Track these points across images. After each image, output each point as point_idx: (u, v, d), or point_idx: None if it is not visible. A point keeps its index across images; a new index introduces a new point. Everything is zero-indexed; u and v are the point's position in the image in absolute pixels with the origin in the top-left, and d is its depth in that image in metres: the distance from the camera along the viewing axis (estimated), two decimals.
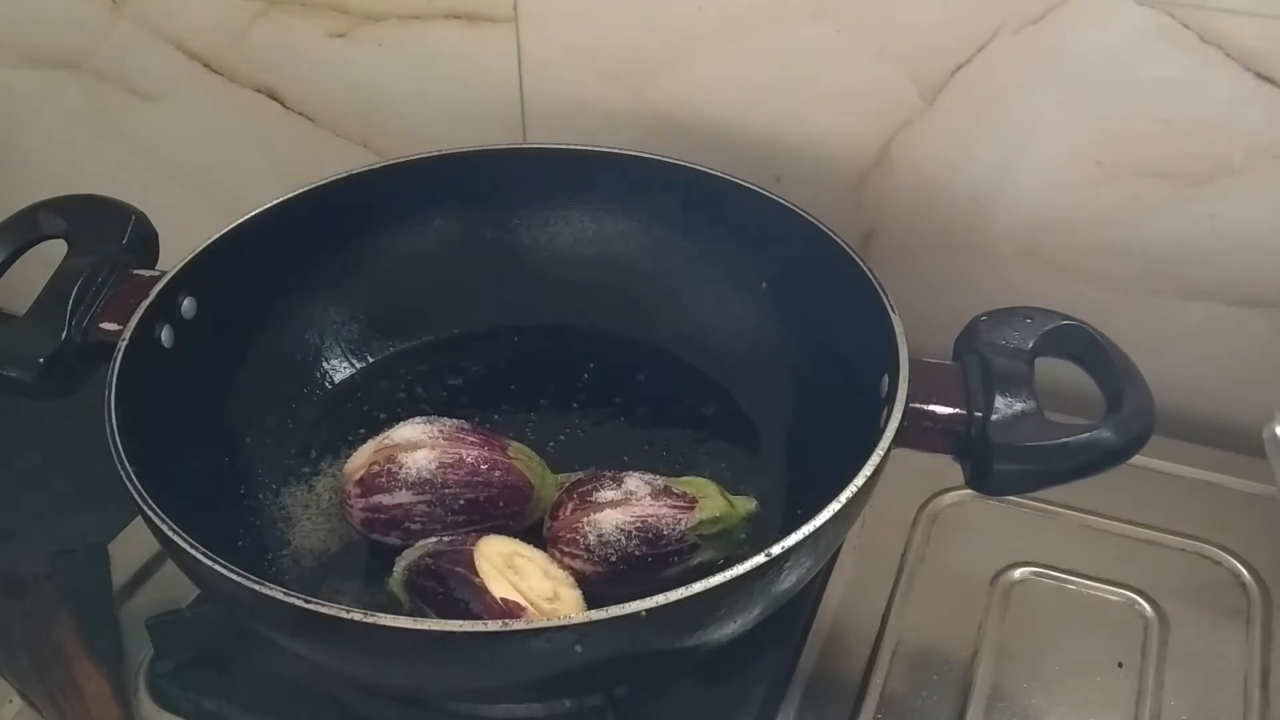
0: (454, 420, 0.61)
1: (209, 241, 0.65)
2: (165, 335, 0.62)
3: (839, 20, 0.71)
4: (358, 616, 0.46)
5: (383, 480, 0.59)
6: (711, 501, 0.58)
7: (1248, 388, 0.74)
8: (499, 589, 0.52)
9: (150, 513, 0.51)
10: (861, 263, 0.62)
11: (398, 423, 0.61)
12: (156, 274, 0.64)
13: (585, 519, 0.57)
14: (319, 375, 0.72)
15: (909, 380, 0.55)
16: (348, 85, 0.87)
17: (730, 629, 0.51)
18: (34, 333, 0.62)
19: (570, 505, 0.58)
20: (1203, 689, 0.61)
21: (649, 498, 0.58)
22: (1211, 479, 0.72)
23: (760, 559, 0.48)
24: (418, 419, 0.61)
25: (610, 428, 0.70)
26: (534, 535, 0.59)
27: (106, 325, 0.62)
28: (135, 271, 0.64)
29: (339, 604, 0.47)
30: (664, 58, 0.77)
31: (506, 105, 0.82)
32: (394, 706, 0.59)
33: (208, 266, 0.65)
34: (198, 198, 0.97)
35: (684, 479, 0.60)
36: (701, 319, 0.72)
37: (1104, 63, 0.67)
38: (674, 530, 0.57)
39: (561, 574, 0.56)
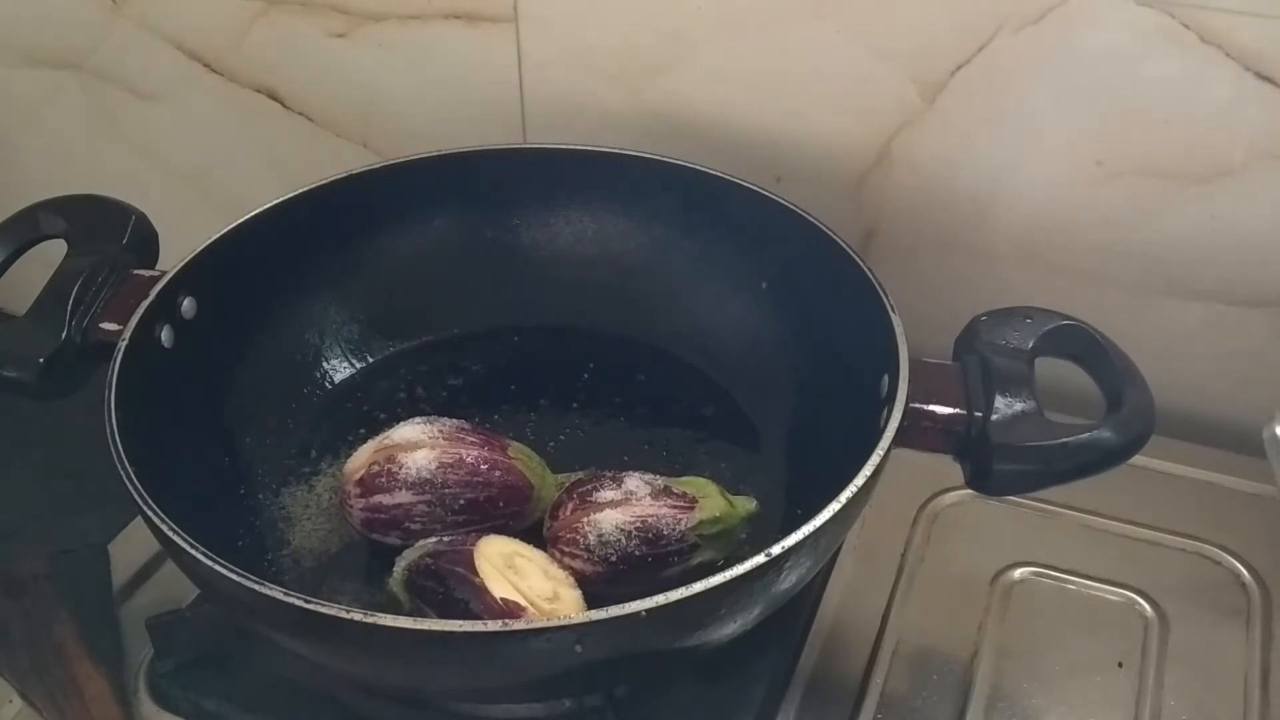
0: (454, 420, 0.61)
1: (209, 241, 0.65)
2: (165, 335, 0.62)
3: (839, 20, 0.71)
4: (358, 616, 0.46)
5: (383, 480, 0.59)
6: (711, 501, 0.58)
7: (1248, 388, 0.74)
8: (499, 589, 0.52)
9: (150, 513, 0.51)
10: (861, 263, 0.62)
11: (398, 423, 0.61)
12: (156, 274, 0.64)
13: (585, 519, 0.57)
14: (319, 375, 0.72)
15: (909, 380, 0.55)
16: (348, 85, 0.87)
17: (730, 629, 0.51)
18: (34, 333, 0.62)
19: (570, 505, 0.58)
20: (1203, 689, 0.61)
21: (649, 498, 0.58)
22: (1211, 479, 0.72)
23: (760, 559, 0.48)
24: (418, 419, 0.61)
25: (610, 428, 0.70)
26: (534, 535, 0.59)
27: (106, 325, 0.62)
28: (135, 271, 0.64)
29: (339, 604, 0.47)
30: (664, 58, 0.77)
31: (506, 105, 0.82)
32: (394, 706, 0.59)
33: (208, 266, 0.65)
34: (198, 198, 0.97)
35: (684, 479, 0.60)
36: (701, 319, 0.72)
37: (1104, 63, 0.67)
38: (674, 530, 0.57)
39: (561, 574, 0.56)
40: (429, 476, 0.58)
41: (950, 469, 0.57)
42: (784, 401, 0.68)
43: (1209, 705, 0.60)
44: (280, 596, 0.47)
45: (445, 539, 0.57)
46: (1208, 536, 0.68)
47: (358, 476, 0.60)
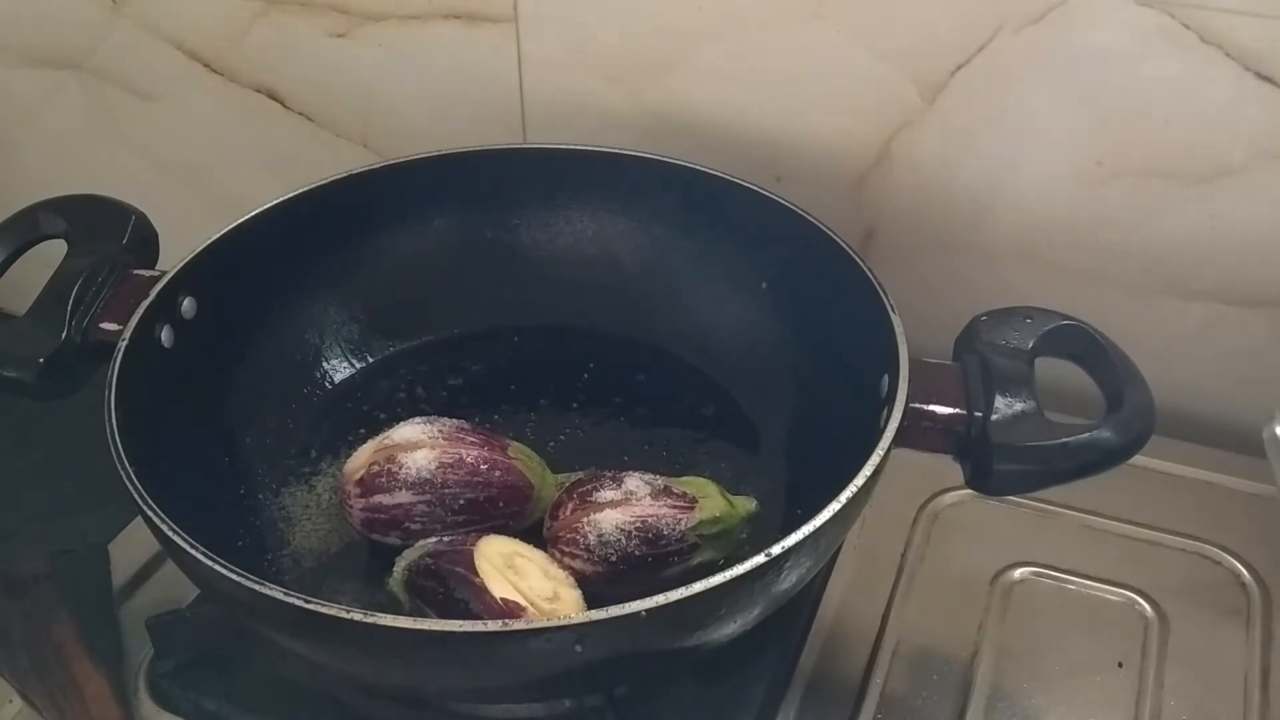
0: (454, 420, 0.61)
1: (209, 241, 0.65)
2: (165, 335, 0.62)
3: (839, 20, 0.71)
4: (358, 616, 0.46)
5: (383, 480, 0.59)
6: (711, 501, 0.58)
7: (1248, 388, 0.74)
8: (499, 589, 0.52)
9: (150, 513, 0.51)
10: (861, 263, 0.62)
11: (398, 423, 0.61)
12: (156, 274, 0.64)
13: (585, 519, 0.57)
14: (319, 375, 0.72)
15: (909, 380, 0.55)
16: (348, 85, 0.87)
17: (730, 629, 0.51)
18: (34, 333, 0.62)
19: (570, 505, 0.58)
20: (1203, 689, 0.61)
21: (649, 498, 0.58)
22: (1211, 479, 0.72)
23: (760, 559, 0.48)
24: (418, 419, 0.61)
25: (610, 428, 0.70)
26: (534, 535, 0.59)
27: (106, 325, 0.62)
28: (135, 271, 0.64)
29: (339, 604, 0.47)
30: (664, 58, 0.77)
31: (506, 105, 0.82)
32: (394, 706, 0.59)
33: (208, 266, 0.65)
34: (198, 198, 0.97)
35: (684, 479, 0.60)
36: (701, 319, 0.72)
37: (1104, 63, 0.67)
38: (674, 530, 0.57)
39: (561, 574, 0.56)
40: (429, 476, 0.58)
41: (950, 469, 0.57)
42: (784, 401, 0.68)
43: (1209, 705, 0.60)
44: (280, 596, 0.47)
45: (445, 539, 0.57)
46: (1208, 536, 0.68)
47: (358, 476, 0.60)
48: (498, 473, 0.59)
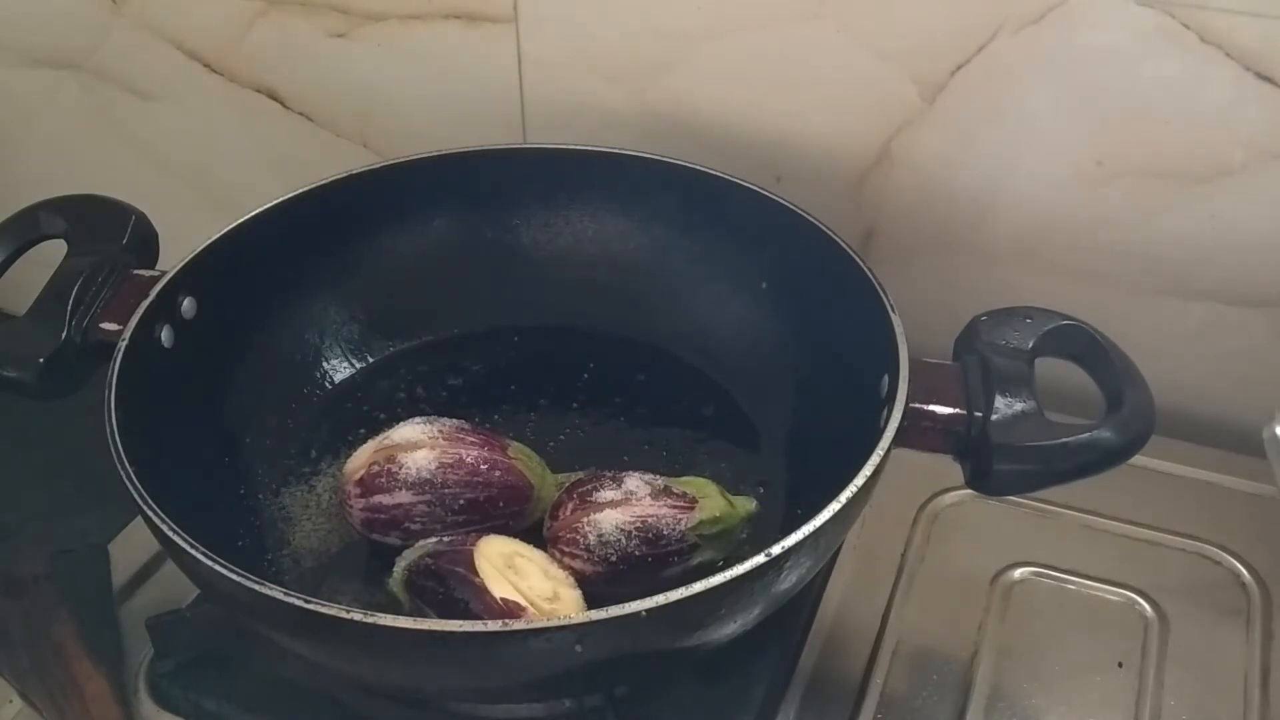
0: (454, 420, 0.61)
1: (209, 241, 0.65)
2: (165, 335, 0.62)
3: (839, 20, 0.71)
4: (358, 616, 0.46)
5: (383, 480, 0.59)
6: (711, 501, 0.58)
7: (1248, 388, 0.74)
8: (499, 589, 0.52)
9: (150, 513, 0.51)
10: (861, 263, 0.62)
11: (398, 423, 0.61)
12: (156, 274, 0.64)
13: (585, 519, 0.57)
14: (319, 375, 0.72)
15: (909, 380, 0.55)
16: (348, 85, 0.87)
17: (730, 629, 0.51)
18: (34, 333, 0.62)
19: (570, 505, 0.58)
20: (1203, 689, 0.61)
21: (649, 498, 0.58)
22: (1211, 479, 0.72)
23: (760, 559, 0.48)
24: (418, 419, 0.61)
25: (610, 428, 0.70)
26: (534, 535, 0.59)
27: (106, 325, 0.62)
28: (135, 271, 0.64)
29: (339, 604, 0.47)
30: (664, 58, 0.77)
31: (506, 105, 0.82)
32: (394, 706, 0.59)
33: (208, 266, 0.65)
34: (198, 198, 0.97)
35: (684, 479, 0.60)
36: (701, 319, 0.72)
37: (1104, 63, 0.67)
38: (674, 530, 0.57)
39: (561, 574, 0.56)
40: (429, 476, 0.58)
41: (950, 469, 0.57)
42: (784, 401, 0.68)
43: (1209, 705, 0.60)
44: (280, 596, 0.47)
45: (445, 539, 0.57)
46: (1208, 536, 0.68)
47: (358, 476, 0.60)
48: (498, 473, 0.59)
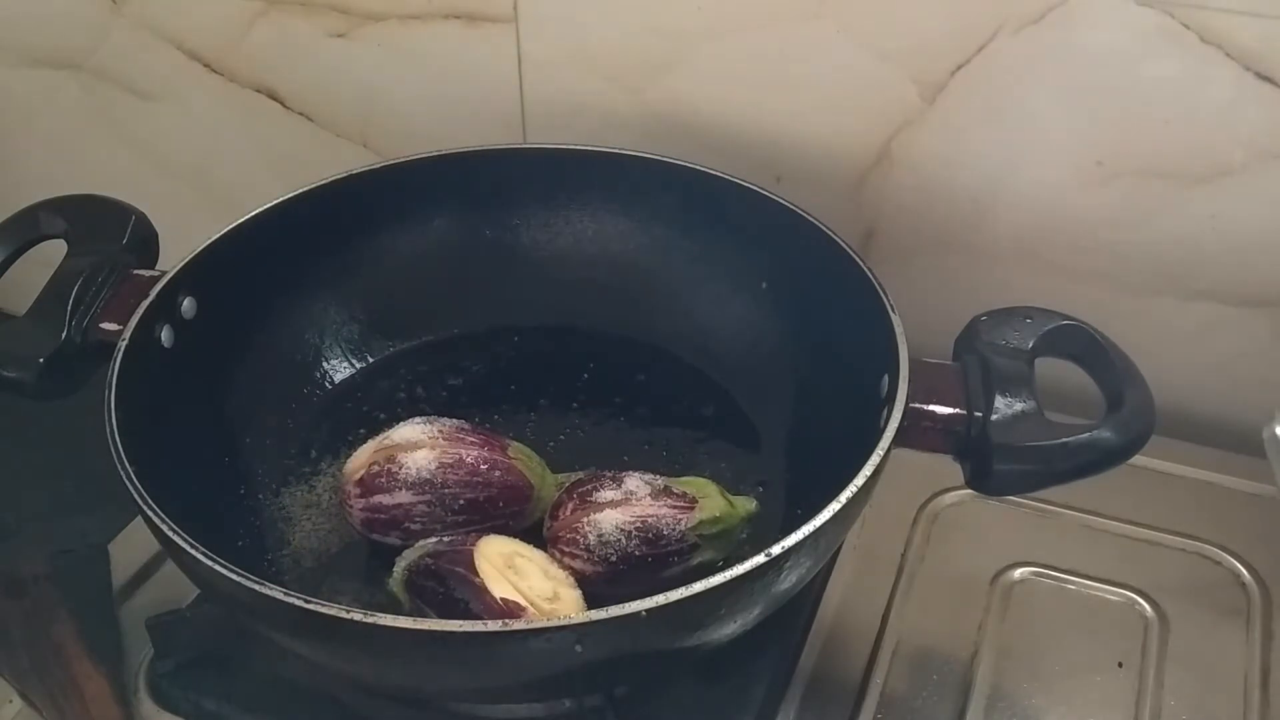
0: (454, 420, 0.61)
1: (209, 241, 0.65)
2: (165, 335, 0.62)
3: (839, 20, 0.71)
4: (358, 616, 0.46)
5: (383, 480, 0.59)
6: (711, 501, 0.58)
7: (1248, 388, 0.74)
8: (499, 589, 0.52)
9: (150, 513, 0.51)
10: (861, 263, 0.62)
11: (398, 423, 0.61)
12: (156, 274, 0.64)
13: (585, 519, 0.57)
14: (319, 375, 0.72)
15: (909, 380, 0.55)
16: (348, 85, 0.87)
17: (730, 629, 0.51)
18: (34, 333, 0.62)
19: (570, 505, 0.58)
20: (1203, 689, 0.61)
21: (649, 498, 0.58)
22: (1211, 479, 0.72)
23: (760, 559, 0.48)
24: (418, 419, 0.61)
25: (610, 428, 0.70)
26: (534, 535, 0.59)
27: (106, 325, 0.62)
28: (135, 271, 0.64)
29: (339, 604, 0.47)
30: (664, 58, 0.77)
31: (506, 105, 0.82)
32: (394, 706, 0.59)
33: (208, 266, 0.65)
34: (198, 198, 0.97)
35: (684, 479, 0.60)
36: (701, 319, 0.72)
37: (1104, 63, 0.67)
38: (674, 530, 0.57)
39: (561, 574, 0.56)
40: (429, 476, 0.58)
41: (950, 469, 0.57)
42: (784, 401, 0.68)
43: (1209, 705, 0.60)
44: (280, 596, 0.47)
45: (445, 539, 0.57)
46: (1208, 536, 0.68)
47: (358, 476, 0.60)
48: (498, 473, 0.59)
